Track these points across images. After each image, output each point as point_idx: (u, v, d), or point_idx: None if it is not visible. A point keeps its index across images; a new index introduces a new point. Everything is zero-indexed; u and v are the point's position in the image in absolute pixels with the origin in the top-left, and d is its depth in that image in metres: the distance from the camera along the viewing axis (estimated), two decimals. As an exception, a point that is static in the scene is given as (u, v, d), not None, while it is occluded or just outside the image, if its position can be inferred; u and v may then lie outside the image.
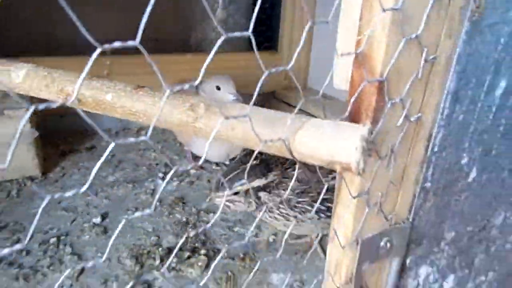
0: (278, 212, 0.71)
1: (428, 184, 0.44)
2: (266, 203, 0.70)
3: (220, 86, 1.09)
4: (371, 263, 0.45)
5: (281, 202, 0.69)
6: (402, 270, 0.50)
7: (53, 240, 0.87)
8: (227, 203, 0.72)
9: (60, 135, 1.34)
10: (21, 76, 0.41)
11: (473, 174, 0.48)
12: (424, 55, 0.35)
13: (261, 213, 0.71)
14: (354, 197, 0.38)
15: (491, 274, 0.66)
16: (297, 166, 0.40)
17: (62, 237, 0.88)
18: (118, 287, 0.75)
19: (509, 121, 0.47)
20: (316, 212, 0.70)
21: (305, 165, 0.65)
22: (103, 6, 1.51)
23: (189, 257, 0.82)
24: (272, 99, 1.73)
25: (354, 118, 0.36)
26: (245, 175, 0.68)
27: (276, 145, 0.31)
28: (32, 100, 0.96)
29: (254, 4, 1.66)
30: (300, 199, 0.69)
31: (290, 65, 0.30)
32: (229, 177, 0.72)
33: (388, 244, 0.45)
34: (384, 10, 0.30)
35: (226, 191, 0.71)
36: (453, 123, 0.42)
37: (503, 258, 0.66)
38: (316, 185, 0.70)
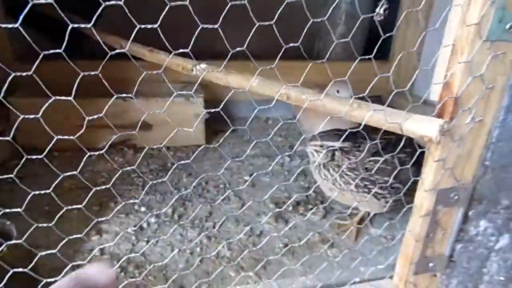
0: (351, 176, 0.96)
1: (487, 163, 0.71)
2: (335, 160, 0.97)
3: (339, 90, 1.42)
4: (444, 207, 0.74)
5: (352, 166, 0.95)
6: (467, 219, 0.77)
7: (221, 186, 1.31)
8: (313, 150, 0.99)
9: (216, 119, 1.82)
10: (256, 83, 0.80)
11: (524, 161, 0.73)
12: (485, 85, 0.63)
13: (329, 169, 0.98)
14: (434, 161, 0.68)
15: (546, 245, 0.87)
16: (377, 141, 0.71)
17: (227, 185, 1.32)
18: (266, 218, 1.14)
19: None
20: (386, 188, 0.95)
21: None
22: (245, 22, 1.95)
23: (311, 208, 1.18)
24: (378, 102, 1.98)
25: (439, 116, 0.66)
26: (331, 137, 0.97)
27: (395, 126, 0.64)
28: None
29: (372, 20, 1.93)
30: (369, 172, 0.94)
31: (392, 70, 0.62)
32: (321, 135, 1.00)
33: (456, 197, 0.73)
34: (459, 63, 0.60)
35: (313, 141, 0.99)
36: (507, 126, 0.68)
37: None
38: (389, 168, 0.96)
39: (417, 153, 0.79)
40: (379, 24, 0.67)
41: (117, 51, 0.67)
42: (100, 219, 0.71)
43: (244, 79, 0.83)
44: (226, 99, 0.75)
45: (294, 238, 1.07)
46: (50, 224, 0.55)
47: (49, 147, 0.57)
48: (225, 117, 0.72)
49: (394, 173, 0.88)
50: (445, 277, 0.84)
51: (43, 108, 0.51)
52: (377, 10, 0.74)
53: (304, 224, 1.14)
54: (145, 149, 1.45)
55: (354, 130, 0.91)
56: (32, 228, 0.57)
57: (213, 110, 0.69)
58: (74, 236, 0.62)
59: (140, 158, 1.44)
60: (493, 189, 0.75)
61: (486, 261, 0.85)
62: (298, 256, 1.00)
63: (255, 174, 1.38)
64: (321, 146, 0.97)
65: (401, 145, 0.81)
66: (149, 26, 0.54)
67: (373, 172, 0.91)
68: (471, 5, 0.58)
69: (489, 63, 0.61)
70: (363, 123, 0.67)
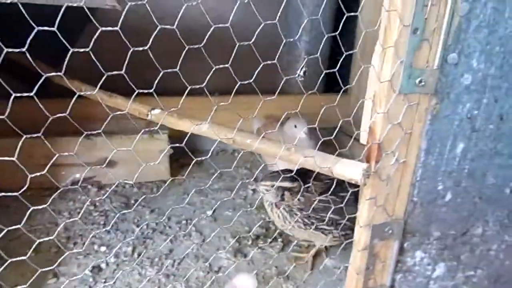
0: (300, 215, 1.03)
1: (415, 199, 0.78)
2: (285, 200, 1.03)
3: (296, 125, 1.49)
4: (380, 240, 0.80)
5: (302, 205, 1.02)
6: (403, 250, 0.83)
7: (183, 222, 1.34)
8: (264, 190, 1.05)
9: (181, 154, 1.86)
10: (204, 129, 0.86)
11: (448, 196, 0.81)
12: (403, 131, 0.71)
13: (280, 208, 1.04)
14: (366, 200, 0.74)
15: (480, 271, 0.94)
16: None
17: (189, 221, 1.34)
18: (225, 253, 1.17)
19: (471, 167, 0.79)
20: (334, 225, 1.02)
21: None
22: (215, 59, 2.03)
23: (270, 242, 1.22)
24: (339, 132, 2.08)
25: (367, 159, 0.73)
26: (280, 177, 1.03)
27: (325, 169, 0.70)
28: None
29: (330, 58, 2.06)
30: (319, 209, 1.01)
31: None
32: (271, 175, 1.07)
33: (390, 231, 0.79)
34: (378, 113, 0.68)
35: (264, 181, 1.04)
36: (428, 166, 0.76)
37: (490, 262, 0.94)
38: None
39: (350, 192, 0.86)
40: (300, 83, 0.74)
41: (82, 93, 0.71)
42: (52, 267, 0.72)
43: (192, 125, 0.88)
44: (188, 134, 0.79)
45: (252, 273, 1.10)
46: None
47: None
48: (189, 152, 0.75)
49: (336, 211, 0.95)
50: (389, 307, 0.89)
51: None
52: (297, 72, 0.82)
53: (263, 257, 1.17)
54: (111, 186, 1.47)
55: (303, 171, 0.97)
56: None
57: (177, 145, 0.73)
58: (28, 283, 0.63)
59: (104, 196, 1.45)
60: (424, 222, 0.82)
61: (426, 289, 0.91)
62: (254, 291, 1.03)
63: (215, 208, 1.42)
64: (272, 186, 1.03)
65: (344, 185, 0.88)
66: (115, 72, 0.58)
67: (319, 211, 0.97)
68: (384, 64, 0.67)
69: (405, 112, 0.69)
70: (296, 166, 0.73)
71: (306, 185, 0.97)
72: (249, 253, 1.18)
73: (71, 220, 1.29)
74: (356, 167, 0.68)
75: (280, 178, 0.98)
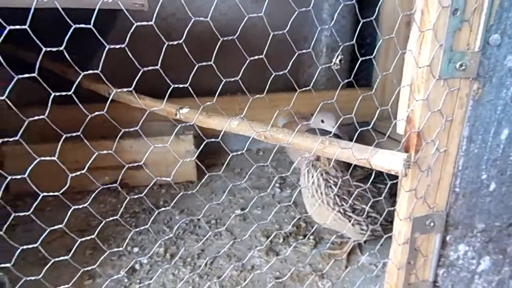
0: (335, 191, 0.99)
1: (457, 189, 0.75)
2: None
3: (324, 120, 1.47)
4: (421, 234, 0.77)
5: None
6: (445, 244, 0.80)
7: (213, 221, 1.33)
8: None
9: (207, 154, 1.87)
10: (235, 124, 0.85)
11: (493, 186, 0.77)
12: (444, 118, 0.68)
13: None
14: (406, 191, 0.71)
15: (528, 265, 0.89)
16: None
17: (218, 220, 1.34)
18: (257, 252, 1.16)
19: (517, 154, 0.75)
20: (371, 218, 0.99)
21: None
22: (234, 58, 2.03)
23: (302, 239, 1.20)
24: (365, 126, 2.04)
25: (405, 149, 0.70)
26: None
27: (363, 161, 0.68)
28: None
29: (354, 51, 2.02)
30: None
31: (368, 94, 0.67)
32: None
33: (432, 223, 0.76)
34: (416, 100, 0.65)
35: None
36: (471, 154, 0.72)
37: (538, 254, 0.89)
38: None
39: (389, 184, 0.83)
40: (336, 72, 0.72)
41: (111, 96, 0.71)
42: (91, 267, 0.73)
43: (223, 121, 0.87)
44: (221, 133, 0.79)
45: (285, 271, 1.08)
46: (39, 277, 0.58)
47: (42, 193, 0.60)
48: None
49: (370, 202, 0.92)
50: (432, 303, 0.86)
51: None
52: (333, 60, 0.80)
53: (295, 256, 1.15)
54: (140, 188, 1.48)
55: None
56: (23, 280, 0.59)
57: (208, 140, 0.72)
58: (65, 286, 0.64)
59: (134, 198, 1.47)
60: (467, 214, 0.78)
61: (471, 284, 0.87)
62: (289, 289, 1.02)
63: (245, 208, 1.41)
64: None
65: (382, 177, 0.85)
66: (151, 68, 0.57)
67: (354, 197, 0.95)
68: (422, 48, 0.64)
69: (445, 98, 0.66)
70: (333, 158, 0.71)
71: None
72: (281, 251, 1.17)
73: (105, 220, 1.31)
74: (396, 157, 0.66)
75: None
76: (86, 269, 0.72)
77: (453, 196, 0.76)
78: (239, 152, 0.75)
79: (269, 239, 1.22)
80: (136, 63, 0.57)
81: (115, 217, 0.74)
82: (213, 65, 0.62)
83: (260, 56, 0.65)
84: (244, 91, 0.75)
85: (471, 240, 0.81)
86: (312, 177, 1.02)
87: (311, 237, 1.22)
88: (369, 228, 1.00)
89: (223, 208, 1.43)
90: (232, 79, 0.67)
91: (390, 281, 0.82)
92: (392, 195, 0.98)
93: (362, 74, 2.05)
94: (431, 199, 0.75)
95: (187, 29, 0.58)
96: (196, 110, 0.94)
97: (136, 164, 1.07)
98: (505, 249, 0.85)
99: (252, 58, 0.64)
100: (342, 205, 0.99)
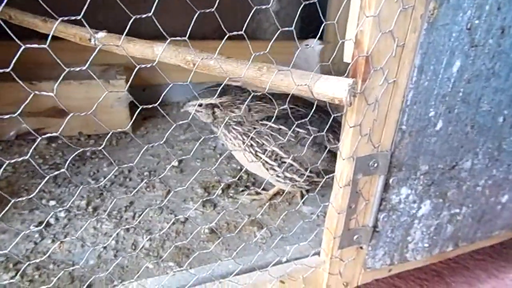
0: (239, 131, 0.91)
1: (403, 127, 0.69)
2: (219, 117, 0.93)
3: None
4: (364, 175, 0.71)
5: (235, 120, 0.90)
6: (387, 186, 0.75)
7: (146, 173, 1.21)
8: (195, 112, 0.94)
9: (143, 103, 1.70)
10: (160, 50, 0.71)
11: (440, 125, 0.72)
12: (395, 42, 0.60)
13: (220, 128, 0.94)
14: (350, 127, 0.64)
15: (465, 209, 0.88)
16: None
17: (152, 172, 1.22)
18: (192, 203, 1.06)
19: (466, 90, 0.70)
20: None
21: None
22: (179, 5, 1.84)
23: (242, 190, 1.12)
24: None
25: (352, 76, 0.61)
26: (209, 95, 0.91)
27: (304, 88, 0.58)
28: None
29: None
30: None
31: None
32: (199, 92, 0.94)
33: (376, 164, 0.70)
34: (367, 16, 0.56)
35: (193, 102, 0.94)
36: (420, 87, 0.66)
37: (476, 199, 0.88)
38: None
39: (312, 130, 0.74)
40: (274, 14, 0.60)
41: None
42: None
43: (146, 47, 0.73)
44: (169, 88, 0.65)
45: (222, 223, 1.00)
46: None
47: None
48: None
49: (282, 145, 0.84)
50: (371, 249, 0.82)
51: None
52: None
53: (234, 207, 1.07)
54: (63, 139, 1.30)
55: (235, 85, 0.87)
56: None
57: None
58: None
59: (55, 147, 1.29)
60: (411, 155, 0.73)
61: (410, 229, 0.84)
62: (225, 241, 0.94)
63: (183, 160, 1.29)
64: (200, 105, 0.91)
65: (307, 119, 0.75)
66: None
67: (264, 136, 0.87)
68: (376, -47, 0.54)
69: (398, 17, 0.58)
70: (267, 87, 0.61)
71: (240, 98, 0.87)
72: (219, 203, 1.08)
73: (17, 173, 1.14)
74: (342, 82, 0.57)
75: (207, 93, 0.87)
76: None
77: (399, 134, 0.69)
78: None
79: (206, 190, 1.12)
80: None
81: (24, 161, 0.59)
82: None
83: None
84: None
85: (413, 183, 0.77)
86: (224, 135, 0.96)
87: (252, 187, 1.14)
88: (286, 176, 0.93)
89: (159, 160, 1.30)
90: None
91: (329, 226, 0.76)
92: (316, 144, 0.92)
93: (314, 24, 1.96)
94: (376, 137, 0.68)
95: None
96: (114, 36, 0.78)
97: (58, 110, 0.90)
98: (445, 193, 0.83)
99: None
100: (251, 145, 0.91)
